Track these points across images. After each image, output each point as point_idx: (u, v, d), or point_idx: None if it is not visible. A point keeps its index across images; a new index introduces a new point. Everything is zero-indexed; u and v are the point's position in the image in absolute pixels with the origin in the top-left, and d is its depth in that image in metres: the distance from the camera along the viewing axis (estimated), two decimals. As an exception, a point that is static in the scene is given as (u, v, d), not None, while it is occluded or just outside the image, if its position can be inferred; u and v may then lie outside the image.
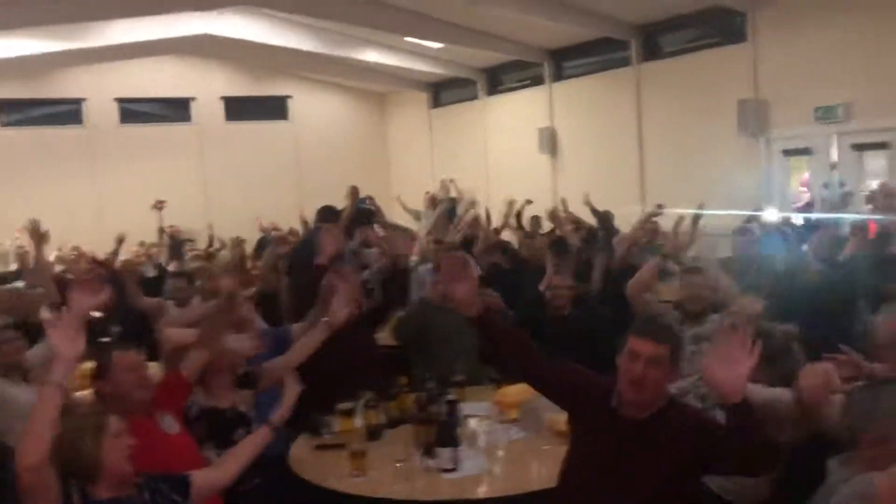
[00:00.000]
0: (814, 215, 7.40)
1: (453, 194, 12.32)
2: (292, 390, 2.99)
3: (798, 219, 8.02)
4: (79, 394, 3.99)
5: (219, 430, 3.09)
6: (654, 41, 10.68)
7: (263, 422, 2.92)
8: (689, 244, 6.82)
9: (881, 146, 8.37)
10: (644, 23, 10.55)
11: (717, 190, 8.79)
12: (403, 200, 11.51)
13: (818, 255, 5.32)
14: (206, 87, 14.84)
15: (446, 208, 9.79)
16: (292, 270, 4.03)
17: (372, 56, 13.09)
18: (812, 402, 2.52)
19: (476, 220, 8.13)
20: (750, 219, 6.50)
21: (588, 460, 2.55)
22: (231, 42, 12.45)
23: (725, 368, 2.25)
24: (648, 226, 6.72)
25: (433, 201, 11.15)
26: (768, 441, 2.27)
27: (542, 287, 5.17)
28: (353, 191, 8.29)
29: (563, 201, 8.88)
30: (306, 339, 3.56)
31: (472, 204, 8.99)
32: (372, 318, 4.30)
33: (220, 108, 15.09)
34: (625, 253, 5.76)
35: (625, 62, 10.95)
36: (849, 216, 6.68)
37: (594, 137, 11.55)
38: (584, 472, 2.55)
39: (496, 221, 8.62)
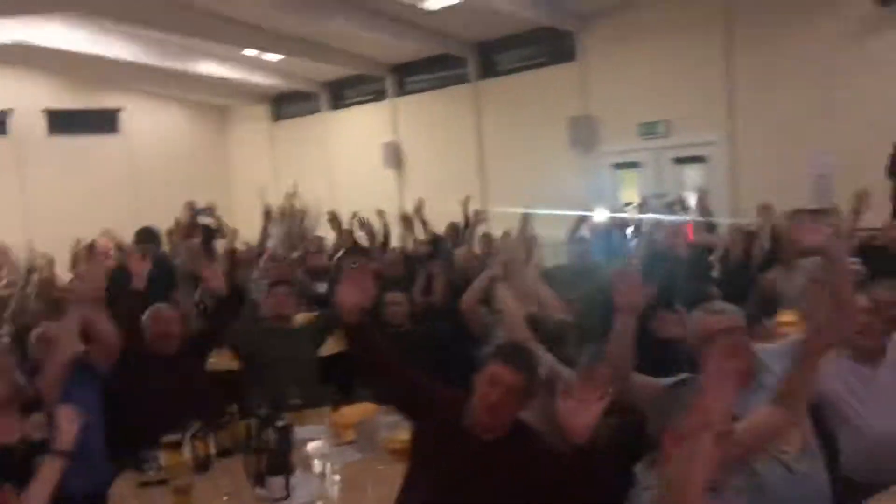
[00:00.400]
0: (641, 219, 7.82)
1: (298, 207, 12.11)
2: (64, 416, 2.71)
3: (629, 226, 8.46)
4: None
5: (13, 469, 2.81)
6: (490, 59, 11.01)
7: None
8: (524, 252, 7.07)
9: (698, 160, 9.04)
10: (481, 41, 10.87)
11: (553, 201, 9.13)
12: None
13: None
14: (26, 98, 13.76)
15: (291, 224, 9.59)
16: (109, 299, 3.77)
17: (210, 68, 12.64)
18: None
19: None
20: (581, 219, 6.78)
21: (431, 478, 2.52)
22: (53, 52, 11.62)
23: (579, 414, 2.30)
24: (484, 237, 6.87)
25: (268, 215, 10.87)
26: (607, 473, 2.34)
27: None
28: (189, 205, 7.96)
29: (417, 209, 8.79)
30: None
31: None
32: (200, 343, 4.09)
33: (41, 120, 14.04)
34: (465, 265, 5.84)
35: (464, 79, 11.22)
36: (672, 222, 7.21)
37: (437, 151, 11.75)
38: (426, 489, 2.52)
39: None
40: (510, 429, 2.49)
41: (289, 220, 10.38)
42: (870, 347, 3.16)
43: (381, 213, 8.04)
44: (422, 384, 2.72)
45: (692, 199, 8.04)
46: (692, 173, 9.19)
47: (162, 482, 3.09)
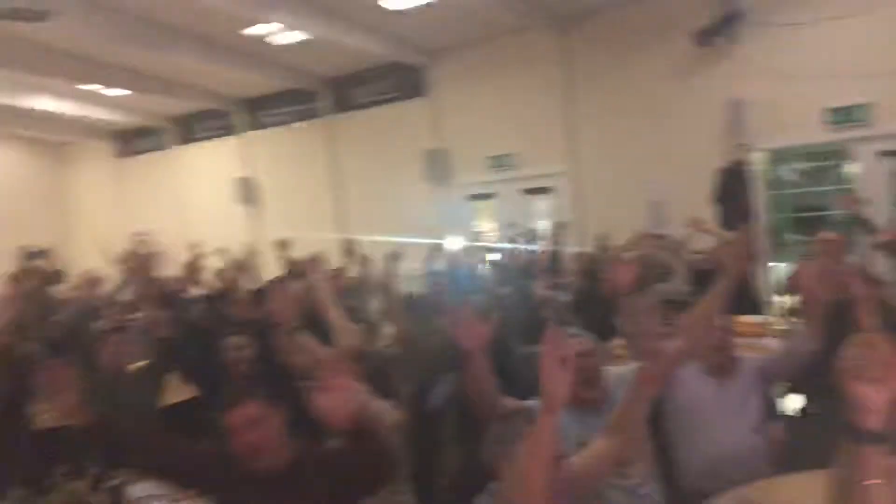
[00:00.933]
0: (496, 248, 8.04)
1: (149, 250, 11.60)
2: None
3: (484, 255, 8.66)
4: None
5: None
6: (343, 94, 11.04)
7: None
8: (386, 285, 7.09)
9: (546, 190, 9.41)
10: (333, 76, 10.87)
11: (410, 232, 9.23)
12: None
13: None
14: None
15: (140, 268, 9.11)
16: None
17: (44, 103, 11.92)
18: None
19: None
20: (437, 247, 6.88)
21: None
22: None
23: (328, 398, 2.31)
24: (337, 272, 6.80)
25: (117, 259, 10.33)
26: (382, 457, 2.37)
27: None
28: (22, 250, 7.42)
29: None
30: None
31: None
32: (16, 399, 3.77)
33: None
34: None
35: (317, 113, 11.18)
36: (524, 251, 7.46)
37: (292, 187, 11.61)
38: None
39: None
40: (290, 452, 2.45)
41: (136, 263, 9.90)
42: (722, 363, 3.36)
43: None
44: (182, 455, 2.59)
45: (546, 229, 8.36)
46: (542, 203, 9.55)
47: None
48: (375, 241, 8.05)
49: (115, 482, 2.89)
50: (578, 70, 8.82)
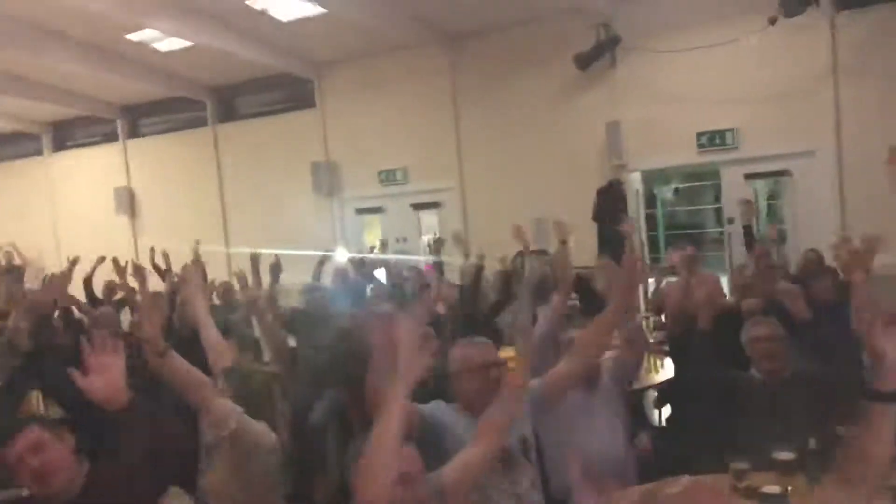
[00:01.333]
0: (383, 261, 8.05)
1: (16, 262, 11.03)
2: None
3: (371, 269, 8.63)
4: None
5: None
6: (229, 103, 10.84)
7: None
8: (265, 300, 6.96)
9: (434, 205, 9.52)
10: (219, 84, 10.65)
11: (298, 245, 9.12)
12: None
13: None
14: None
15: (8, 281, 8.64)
16: None
17: None
18: None
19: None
20: (322, 261, 6.81)
21: None
22: None
23: (96, 378, 2.31)
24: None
25: None
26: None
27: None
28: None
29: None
30: None
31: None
32: None
33: None
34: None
35: (202, 122, 10.91)
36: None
37: (176, 196, 11.26)
38: None
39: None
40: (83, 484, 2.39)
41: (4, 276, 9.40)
42: (588, 373, 3.42)
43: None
44: None
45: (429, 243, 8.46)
46: (430, 218, 9.64)
47: None
48: (260, 252, 7.90)
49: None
50: (466, 87, 8.99)
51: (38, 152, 12.73)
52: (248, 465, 2.89)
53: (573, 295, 5.51)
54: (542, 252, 7.92)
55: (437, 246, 7.95)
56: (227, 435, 2.81)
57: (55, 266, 11.23)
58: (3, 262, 11.05)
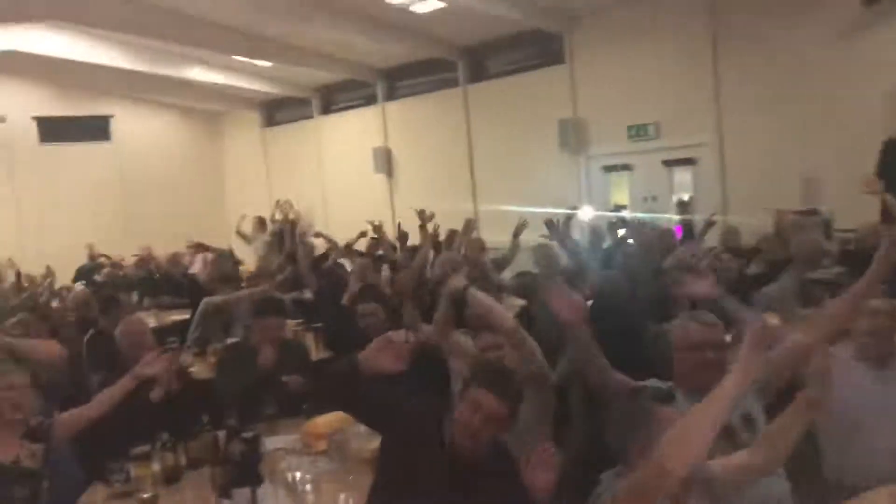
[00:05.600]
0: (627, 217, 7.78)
1: (290, 216, 12.13)
2: None
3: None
4: None
5: None
6: (479, 63, 10.98)
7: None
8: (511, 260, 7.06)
9: (687, 162, 9.00)
10: (470, 44, 10.83)
11: (543, 204, 9.11)
12: (240, 226, 11.25)
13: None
14: (17, 106, 13.71)
15: (276, 232, 9.57)
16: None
17: (200, 74, 12.62)
18: None
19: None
20: (569, 220, 6.68)
21: (400, 492, 2.47)
22: (43, 59, 11.58)
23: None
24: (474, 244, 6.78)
25: (262, 224, 10.89)
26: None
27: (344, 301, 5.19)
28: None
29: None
30: (110, 391, 3.31)
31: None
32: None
33: (33, 128, 13.99)
34: (442, 275, 5.74)
35: (453, 83, 11.18)
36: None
37: (428, 156, 11.71)
38: (394, 501, 2.48)
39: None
40: (488, 450, 2.44)
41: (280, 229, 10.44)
42: (882, 352, 3.13)
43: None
44: (382, 397, 2.59)
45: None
46: (682, 175, 9.14)
47: (126, 495, 3.04)
48: (507, 210, 8.01)
49: (250, 434, 3.02)
50: (727, 32, 8.27)
51: (309, 116, 13.84)
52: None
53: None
54: (813, 212, 7.22)
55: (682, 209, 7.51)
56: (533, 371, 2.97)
57: (321, 221, 12.28)
58: (281, 217, 12.19)
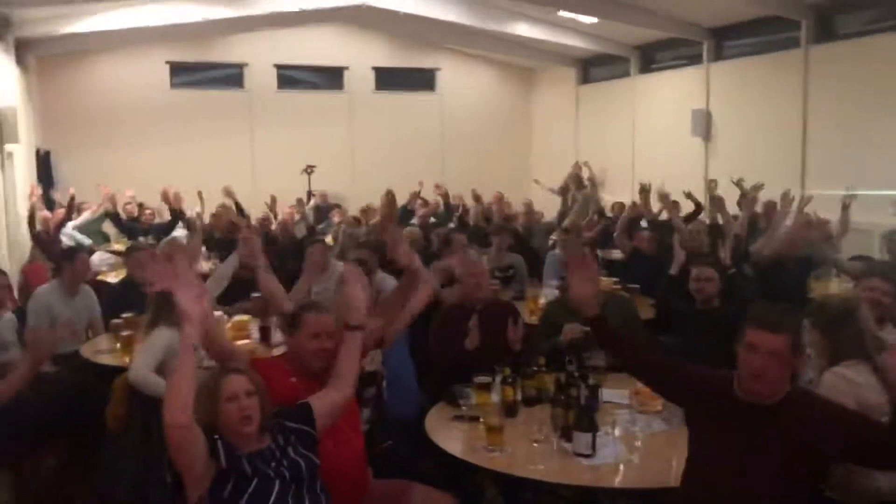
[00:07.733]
0: None
1: (586, 177, 12.11)
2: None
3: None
4: (239, 343, 4.29)
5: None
6: (828, 22, 9.91)
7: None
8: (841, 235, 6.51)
9: None
10: (818, 1, 9.79)
11: (882, 184, 8.15)
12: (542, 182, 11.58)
13: None
14: (360, 56, 15.18)
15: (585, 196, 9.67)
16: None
17: (522, 30, 12.94)
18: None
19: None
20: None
21: (712, 456, 2.47)
22: (386, 13, 12.62)
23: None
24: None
25: (566, 188, 10.98)
26: None
27: (673, 272, 5.07)
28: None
29: (713, 182, 8.26)
30: None
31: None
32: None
33: (370, 77, 15.42)
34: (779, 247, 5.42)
35: (793, 43, 10.23)
36: None
37: (752, 122, 10.91)
38: (708, 469, 2.47)
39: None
40: (785, 393, 2.42)
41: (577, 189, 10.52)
42: None
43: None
44: (671, 367, 2.75)
45: None
46: None
47: (474, 418, 3.28)
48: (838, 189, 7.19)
49: (593, 381, 3.09)
50: None
51: (625, 74, 13.61)
52: None
53: None
54: None
55: None
56: None
57: (628, 182, 12.09)
58: (583, 175, 12.17)
